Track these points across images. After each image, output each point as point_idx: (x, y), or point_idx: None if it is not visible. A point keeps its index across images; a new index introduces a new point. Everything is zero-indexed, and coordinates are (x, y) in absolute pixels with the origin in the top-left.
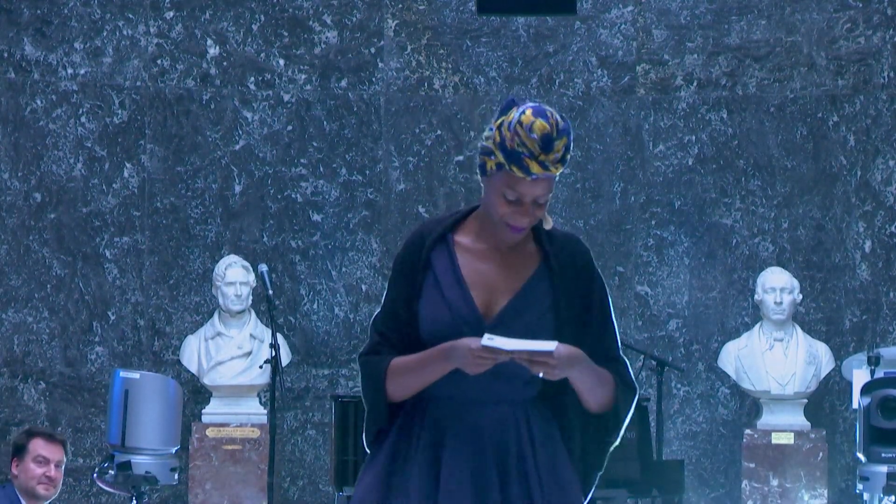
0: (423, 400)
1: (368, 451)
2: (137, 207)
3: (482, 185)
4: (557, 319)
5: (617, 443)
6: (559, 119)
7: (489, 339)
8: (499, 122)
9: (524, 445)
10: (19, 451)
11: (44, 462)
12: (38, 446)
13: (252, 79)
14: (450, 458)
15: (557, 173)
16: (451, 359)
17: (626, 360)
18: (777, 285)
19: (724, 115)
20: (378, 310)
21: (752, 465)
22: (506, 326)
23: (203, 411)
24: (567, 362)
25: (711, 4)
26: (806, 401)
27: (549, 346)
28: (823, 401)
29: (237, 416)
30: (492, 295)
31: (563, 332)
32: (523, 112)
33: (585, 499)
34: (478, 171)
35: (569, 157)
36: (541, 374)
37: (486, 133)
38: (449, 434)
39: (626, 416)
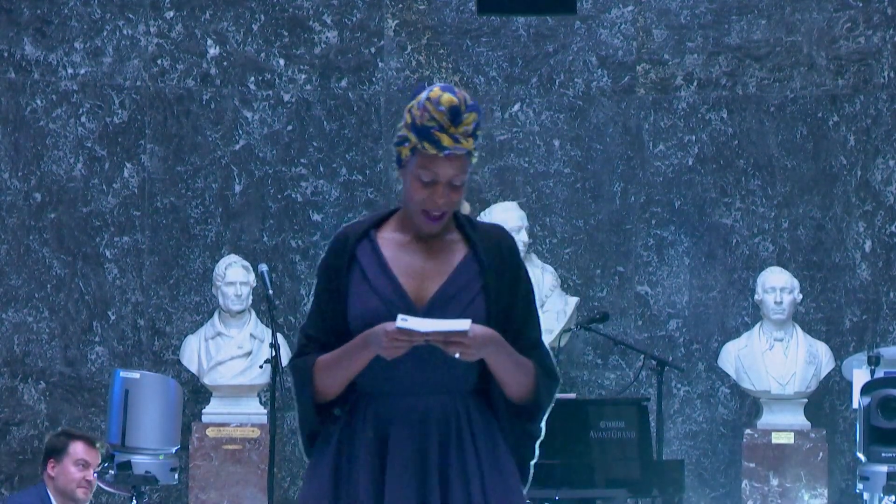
0: (363, 399)
1: (306, 457)
2: (137, 207)
3: (401, 179)
4: (487, 304)
5: (542, 436)
6: (468, 97)
7: (403, 321)
8: (409, 105)
9: (464, 435)
10: (57, 452)
11: (84, 466)
12: (80, 450)
13: (252, 79)
14: (395, 453)
15: (470, 151)
16: (369, 345)
17: (549, 350)
18: (777, 285)
19: (724, 115)
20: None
21: (752, 465)
22: (438, 312)
23: (203, 411)
24: (481, 342)
25: (711, 4)
26: (806, 401)
27: (463, 324)
28: (823, 401)
29: (237, 416)
30: (421, 282)
31: (493, 317)
32: (431, 90)
33: (524, 489)
34: (395, 165)
35: (480, 134)
36: (457, 355)
37: (399, 123)
38: (393, 428)
39: (547, 405)
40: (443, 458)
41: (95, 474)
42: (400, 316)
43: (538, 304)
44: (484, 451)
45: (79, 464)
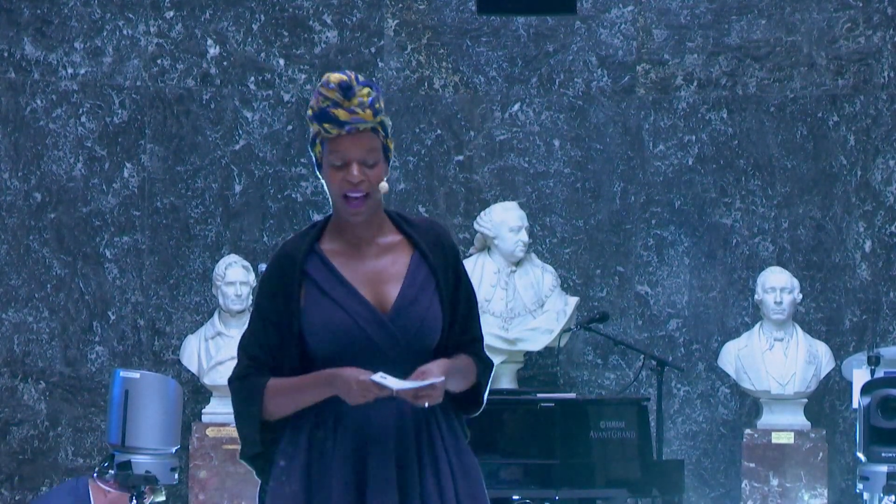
0: (329, 407)
1: (258, 477)
2: (137, 207)
3: (322, 181)
4: (442, 302)
5: (478, 412)
6: (360, 76)
7: (382, 378)
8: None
9: (435, 439)
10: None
11: None
12: None
13: (252, 79)
14: (376, 467)
15: (372, 126)
16: (332, 387)
17: (483, 338)
18: (777, 285)
19: (724, 115)
20: (245, 333)
21: (752, 465)
22: (403, 316)
23: (203, 411)
24: (443, 384)
25: (711, 4)
26: (806, 401)
27: (437, 380)
28: (823, 401)
29: None
30: (379, 288)
31: (446, 313)
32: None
33: None
34: (315, 169)
35: (379, 107)
36: (426, 405)
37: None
38: (371, 442)
39: (485, 391)
40: (420, 468)
41: (95, 474)
42: (380, 374)
43: (538, 304)
44: (452, 452)
45: None
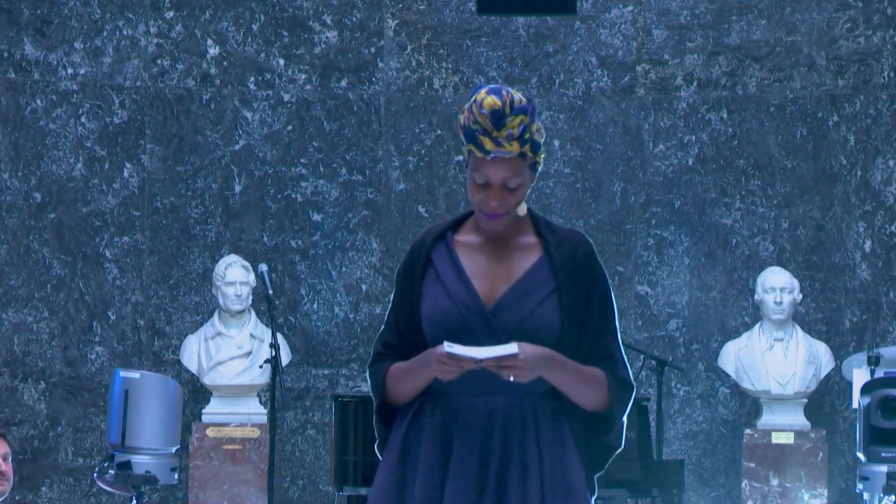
0: (433, 396)
1: (380, 456)
2: (137, 207)
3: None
4: (561, 306)
5: (621, 447)
6: (516, 98)
7: (449, 347)
8: (466, 105)
9: (528, 440)
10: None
11: (3, 459)
12: None
13: (252, 79)
14: (457, 457)
15: (519, 153)
16: (427, 365)
17: (625, 358)
18: (777, 285)
19: (724, 115)
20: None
21: (752, 465)
22: (506, 312)
23: (203, 411)
24: (533, 362)
25: (711, 4)
26: (806, 401)
27: (511, 348)
28: (823, 401)
29: (237, 415)
30: (493, 283)
31: (566, 320)
32: (479, 91)
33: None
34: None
35: (529, 136)
36: (511, 378)
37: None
38: (457, 431)
39: (621, 415)
40: (503, 465)
41: (95, 474)
42: (446, 343)
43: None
44: (548, 455)
45: None
